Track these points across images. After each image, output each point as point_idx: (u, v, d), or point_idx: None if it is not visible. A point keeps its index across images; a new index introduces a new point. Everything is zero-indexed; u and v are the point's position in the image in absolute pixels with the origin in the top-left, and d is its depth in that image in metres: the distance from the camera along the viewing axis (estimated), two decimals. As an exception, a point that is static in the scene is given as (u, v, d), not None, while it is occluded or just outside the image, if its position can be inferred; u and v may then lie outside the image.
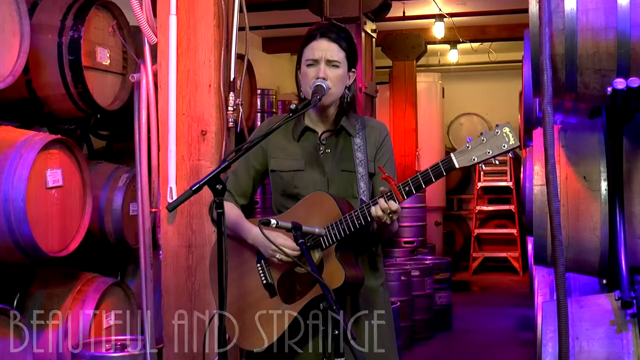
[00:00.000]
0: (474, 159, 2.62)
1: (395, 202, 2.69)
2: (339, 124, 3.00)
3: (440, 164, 2.66)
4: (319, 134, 3.02)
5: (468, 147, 2.63)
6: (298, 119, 3.02)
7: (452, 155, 2.65)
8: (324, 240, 2.80)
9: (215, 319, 2.71)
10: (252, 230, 2.93)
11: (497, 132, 2.59)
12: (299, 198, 2.96)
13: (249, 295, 2.96)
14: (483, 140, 2.61)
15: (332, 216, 2.80)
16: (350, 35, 3.03)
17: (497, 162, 2.65)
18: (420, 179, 2.68)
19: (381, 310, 3.02)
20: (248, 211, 3.12)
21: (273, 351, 2.91)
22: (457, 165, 2.64)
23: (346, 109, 3.03)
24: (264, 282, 2.92)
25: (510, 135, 2.58)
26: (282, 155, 3.02)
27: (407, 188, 2.69)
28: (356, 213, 2.75)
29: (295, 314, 2.83)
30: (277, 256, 2.83)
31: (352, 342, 2.39)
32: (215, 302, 2.79)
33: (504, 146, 2.59)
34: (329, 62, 2.92)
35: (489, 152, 2.60)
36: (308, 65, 2.94)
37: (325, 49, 2.93)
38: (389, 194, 2.70)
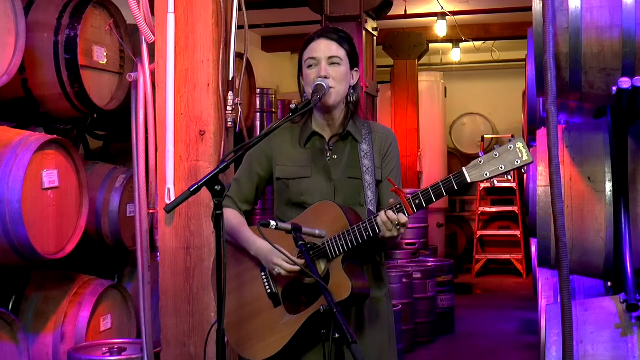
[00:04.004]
0: (486, 174, 2.60)
1: (405, 214, 2.65)
2: (346, 129, 2.95)
3: (452, 177, 2.62)
4: (327, 140, 2.97)
5: (481, 161, 2.61)
6: (305, 124, 2.98)
7: (464, 169, 2.62)
8: (330, 251, 2.75)
9: (216, 326, 2.66)
10: (256, 242, 2.89)
11: (511, 147, 2.58)
12: (304, 206, 2.91)
13: (252, 304, 2.92)
14: (496, 155, 2.59)
15: (340, 227, 2.76)
16: (349, 36, 3.00)
17: (509, 178, 2.63)
18: (431, 192, 2.64)
19: (384, 320, 2.99)
20: (247, 213, 3.08)
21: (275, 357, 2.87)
22: (469, 180, 2.61)
23: (352, 111, 2.98)
24: (269, 291, 2.88)
25: (524, 150, 2.57)
26: (288, 162, 2.98)
27: (417, 201, 2.66)
28: (364, 225, 2.71)
29: (299, 325, 2.78)
30: (276, 270, 2.79)
31: (352, 345, 2.33)
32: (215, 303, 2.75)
33: (517, 162, 2.57)
34: (330, 59, 2.88)
35: (501, 168, 2.58)
36: (309, 66, 2.91)
37: (325, 47, 2.90)
38: (398, 206, 2.66)
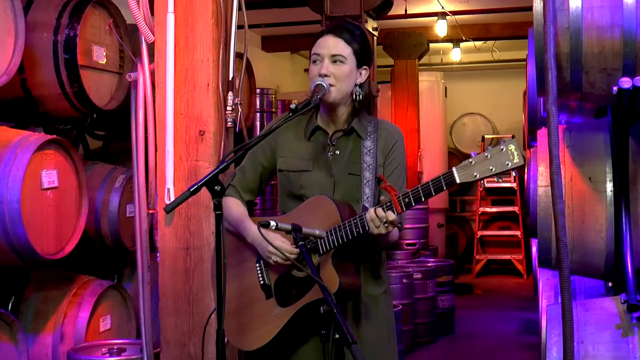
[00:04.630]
0: (475, 175, 2.57)
1: (394, 212, 2.65)
2: (350, 126, 2.95)
3: (441, 177, 2.61)
4: (330, 135, 2.97)
5: (471, 162, 2.59)
6: (310, 118, 2.99)
7: (454, 169, 2.60)
8: (321, 246, 2.76)
9: (213, 320, 2.67)
10: (251, 230, 2.90)
11: (503, 149, 2.55)
12: (303, 199, 2.92)
13: (246, 294, 2.94)
14: (487, 156, 2.56)
15: (332, 222, 2.76)
16: (363, 33, 2.98)
17: (500, 180, 2.61)
18: (421, 191, 2.63)
19: (382, 318, 2.98)
20: (250, 204, 3.11)
21: (272, 353, 2.88)
22: (458, 181, 2.59)
23: (358, 109, 2.97)
24: (261, 282, 2.89)
25: (516, 153, 2.54)
26: (291, 155, 2.99)
27: (406, 200, 2.65)
28: (355, 221, 2.71)
29: (288, 317, 2.80)
30: (273, 258, 2.80)
31: (352, 345, 2.33)
32: (215, 302, 2.75)
33: (508, 164, 2.55)
34: (333, 57, 2.88)
35: (491, 169, 2.56)
36: (313, 62, 2.91)
37: (329, 44, 2.89)
38: (388, 204, 2.66)
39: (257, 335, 2.86)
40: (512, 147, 2.55)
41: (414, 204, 2.65)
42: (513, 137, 9.82)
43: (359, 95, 2.96)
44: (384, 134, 2.99)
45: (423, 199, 2.64)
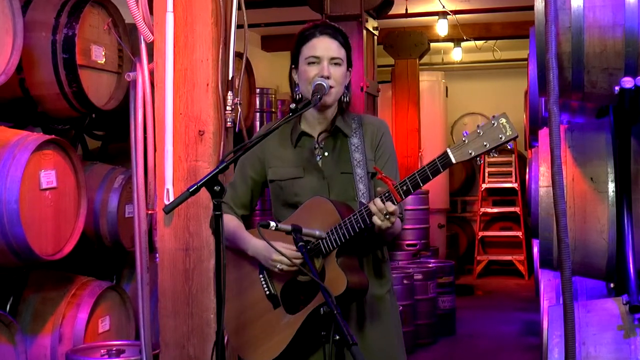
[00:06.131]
0: (470, 153, 2.54)
1: (393, 203, 2.62)
2: (334, 125, 2.94)
3: (437, 160, 2.58)
4: (315, 138, 2.95)
5: (465, 140, 2.55)
6: (294, 125, 2.97)
7: (448, 150, 2.57)
8: (324, 246, 2.73)
9: (212, 321, 2.65)
10: (251, 241, 2.88)
11: (494, 124, 2.53)
12: (299, 206, 2.89)
13: (252, 308, 2.91)
14: (480, 132, 2.53)
15: (332, 221, 2.74)
16: (346, 34, 2.98)
17: (495, 155, 2.58)
18: (418, 177, 2.60)
19: (388, 318, 2.98)
20: (245, 218, 3.07)
21: None
22: (453, 161, 2.56)
23: (344, 109, 2.96)
24: (267, 293, 2.87)
25: (507, 126, 2.51)
26: (280, 164, 2.97)
27: (404, 187, 2.62)
28: (355, 217, 2.69)
29: (299, 324, 2.77)
30: (278, 266, 2.77)
31: (352, 347, 2.31)
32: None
33: (501, 137, 2.51)
34: (332, 60, 2.87)
35: (486, 145, 2.53)
36: (309, 64, 2.88)
37: (327, 46, 2.88)
38: (386, 194, 2.63)
39: (270, 346, 2.83)
40: (503, 120, 2.52)
41: (412, 191, 2.62)
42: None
43: (346, 97, 2.96)
44: (370, 129, 2.97)
45: (421, 185, 2.60)
